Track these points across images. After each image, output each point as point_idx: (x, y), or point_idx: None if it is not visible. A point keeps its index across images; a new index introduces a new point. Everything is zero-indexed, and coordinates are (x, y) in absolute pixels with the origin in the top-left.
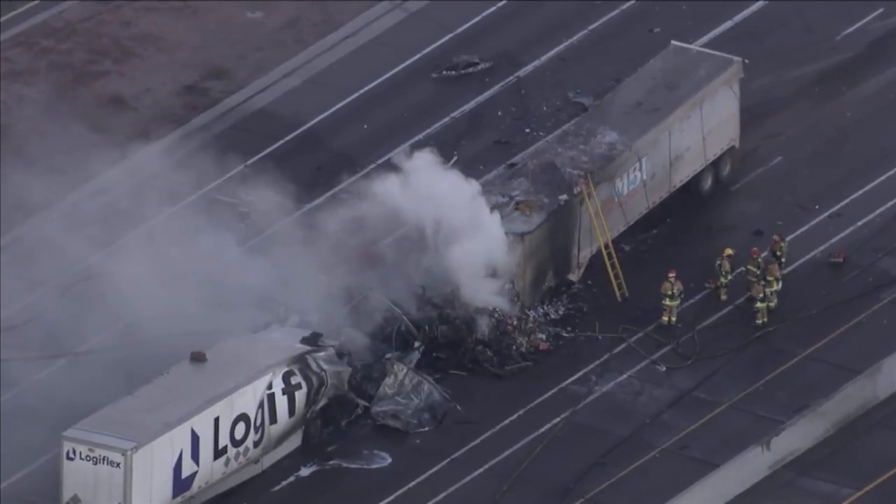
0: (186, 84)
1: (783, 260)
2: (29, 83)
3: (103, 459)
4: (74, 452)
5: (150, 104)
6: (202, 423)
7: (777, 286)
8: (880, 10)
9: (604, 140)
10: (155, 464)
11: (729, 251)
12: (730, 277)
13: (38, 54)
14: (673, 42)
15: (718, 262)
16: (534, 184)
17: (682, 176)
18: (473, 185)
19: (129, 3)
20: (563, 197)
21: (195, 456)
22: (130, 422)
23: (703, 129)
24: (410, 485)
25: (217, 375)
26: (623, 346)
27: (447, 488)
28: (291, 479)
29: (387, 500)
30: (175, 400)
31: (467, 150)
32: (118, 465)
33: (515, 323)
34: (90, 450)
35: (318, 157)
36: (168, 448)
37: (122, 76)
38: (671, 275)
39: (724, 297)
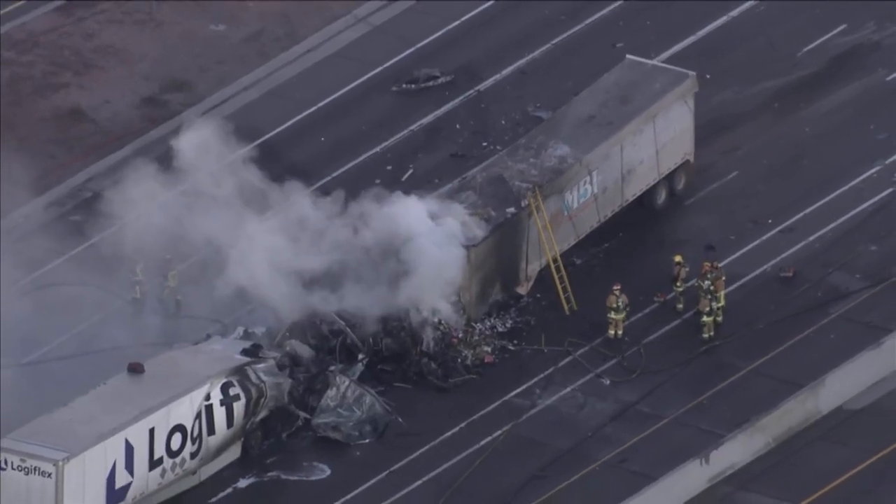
0: (146, 96)
1: (713, 285)
2: None
3: (35, 470)
4: (6, 463)
5: (108, 116)
6: (137, 434)
7: (722, 302)
8: (843, 27)
9: (554, 153)
10: (87, 474)
11: (679, 258)
12: (682, 288)
13: None
14: (628, 56)
15: (676, 272)
16: (481, 197)
17: (634, 190)
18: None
19: (93, 16)
20: (511, 210)
21: (129, 467)
22: (63, 432)
23: (656, 143)
24: (348, 497)
25: (154, 386)
26: (568, 359)
27: (384, 500)
28: (229, 490)
29: None
30: (110, 411)
31: (424, 163)
32: (49, 475)
33: (460, 336)
34: (22, 460)
35: (273, 170)
36: (101, 459)
37: (83, 88)
38: (616, 288)
39: (679, 307)
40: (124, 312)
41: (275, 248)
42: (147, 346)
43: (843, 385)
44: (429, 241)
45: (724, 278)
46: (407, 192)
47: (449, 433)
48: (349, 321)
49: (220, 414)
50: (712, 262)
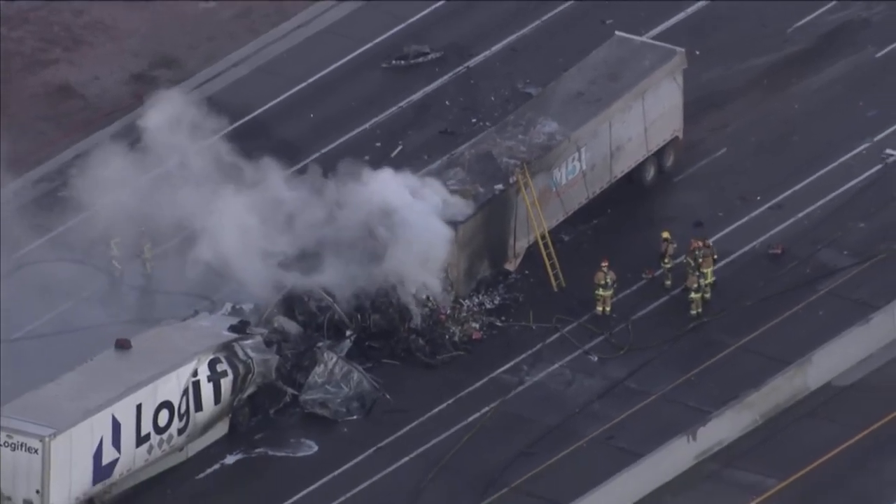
0: (135, 73)
1: (700, 262)
2: None
3: (21, 446)
4: None
5: (97, 93)
6: (124, 410)
7: (710, 279)
8: (833, 3)
9: (543, 130)
10: (74, 451)
11: (666, 234)
12: (670, 264)
13: None
14: (617, 32)
15: (664, 248)
16: (470, 173)
17: (623, 166)
18: None
19: None
20: (499, 187)
21: (116, 443)
22: (50, 408)
23: (645, 119)
24: (335, 473)
25: (141, 363)
26: (556, 335)
27: (372, 477)
28: (217, 466)
29: (311, 489)
30: (97, 387)
31: (413, 140)
32: (36, 451)
33: (448, 312)
34: (8, 436)
35: (263, 146)
36: (88, 435)
37: (72, 64)
38: (604, 264)
39: (668, 283)
40: (111, 289)
41: (253, 225)
42: (134, 323)
43: (831, 361)
44: (413, 217)
45: (715, 256)
46: (395, 167)
47: (437, 409)
48: (336, 297)
49: (207, 390)
50: (704, 240)
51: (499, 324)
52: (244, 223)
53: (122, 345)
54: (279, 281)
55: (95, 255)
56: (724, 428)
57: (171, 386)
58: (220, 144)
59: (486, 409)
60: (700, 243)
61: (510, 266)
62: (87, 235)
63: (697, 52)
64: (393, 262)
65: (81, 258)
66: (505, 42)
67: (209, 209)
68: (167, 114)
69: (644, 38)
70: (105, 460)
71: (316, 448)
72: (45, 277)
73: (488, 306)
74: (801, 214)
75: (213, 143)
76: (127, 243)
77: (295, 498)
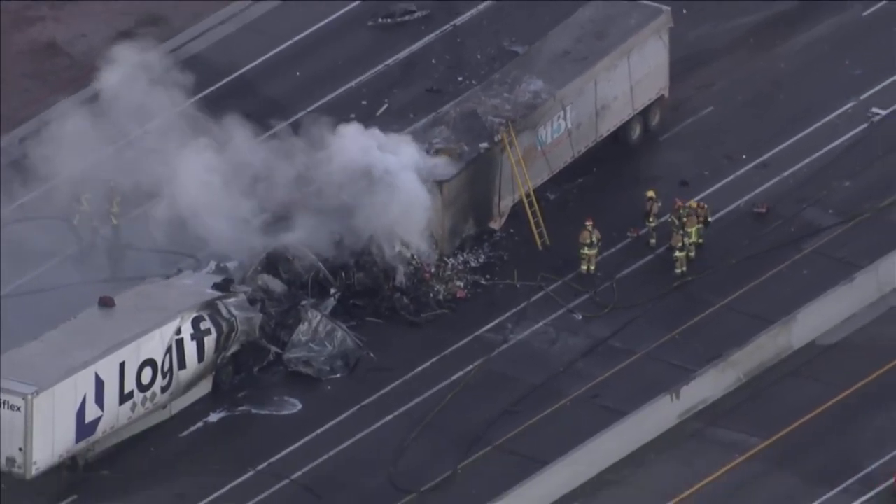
0: (122, 30)
1: (685, 221)
2: None
3: (4, 403)
4: None
5: (84, 50)
6: (107, 368)
7: (695, 238)
8: None
9: (528, 88)
10: (57, 408)
11: (651, 193)
12: (655, 223)
13: None
14: None
15: (648, 207)
16: (455, 132)
17: (608, 125)
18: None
19: None
20: (484, 145)
21: (99, 401)
22: (33, 366)
23: (630, 78)
24: (319, 431)
25: (125, 320)
26: (541, 294)
27: (355, 434)
28: (200, 424)
29: (294, 447)
30: (80, 345)
31: (399, 98)
32: (18, 409)
33: (433, 270)
34: None
35: (248, 104)
36: (71, 392)
37: (59, 22)
38: (589, 223)
39: (652, 242)
40: (94, 246)
41: (226, 184)
42: (117, 282)
43: (815, 320)
44: (386, 174)
45: (709, 218)
46: (381, 126)
47: (421, 368)
48: (321, 255)
49: (190, 348)
50: (698, 202)
51: (483, 282)
52: (217, 182)
53: (106, 303)
54: (258, 241)
55: (75, 214)
56: (707, 387)
57: (155, 344)
58: (202, 103)
59: (470, 367)
60: (693, 204)
61: (495, 224)
62: (68, 195)
63: (684, 11)
64: (365, 220)
65: (63, 216)
66: (491, 0)
67: (185, 168)
68: (149, 72)
69: None
70: (88, 418)
71: (299, 406)
72: (27, 236)
73: (473, 265)
74: (786, 173)
75: (196, 101)
76: (99, 200)
77: (278, 456)
